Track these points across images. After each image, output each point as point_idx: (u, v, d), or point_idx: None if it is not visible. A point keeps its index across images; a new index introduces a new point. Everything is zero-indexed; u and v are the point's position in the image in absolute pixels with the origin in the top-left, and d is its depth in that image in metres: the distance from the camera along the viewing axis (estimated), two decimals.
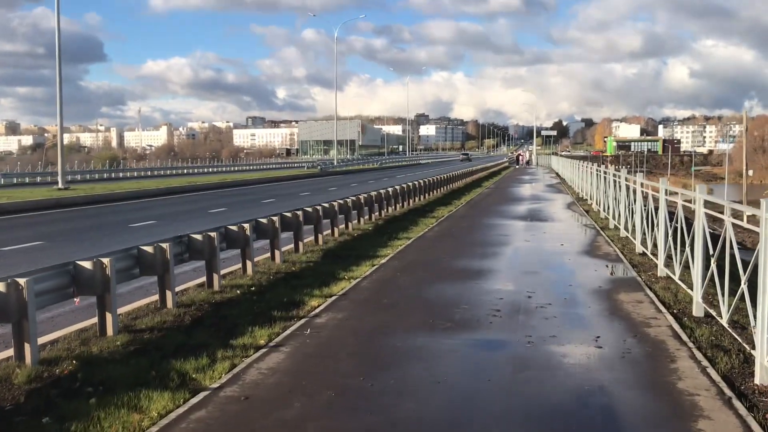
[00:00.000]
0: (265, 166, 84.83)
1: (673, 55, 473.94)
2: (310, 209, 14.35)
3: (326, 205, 15.50)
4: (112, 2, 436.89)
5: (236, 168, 75.40)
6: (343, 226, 16.73)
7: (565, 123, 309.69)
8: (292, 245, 13.32)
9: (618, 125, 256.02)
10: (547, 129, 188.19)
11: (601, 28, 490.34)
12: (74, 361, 6.24)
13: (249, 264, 10.91)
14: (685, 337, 6.92)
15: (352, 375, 5.90)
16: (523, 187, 38.02)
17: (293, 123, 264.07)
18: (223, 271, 10.98)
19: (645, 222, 12.18)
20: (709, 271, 7.44)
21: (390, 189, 22.12)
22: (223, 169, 72.30)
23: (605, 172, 20.15)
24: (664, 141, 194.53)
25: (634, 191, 13.93)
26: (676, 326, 7.37)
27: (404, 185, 24.13)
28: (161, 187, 33.92)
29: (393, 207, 22.46)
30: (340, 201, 16.62)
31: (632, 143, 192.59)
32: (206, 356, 6.35)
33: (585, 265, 11.55)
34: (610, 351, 6.52)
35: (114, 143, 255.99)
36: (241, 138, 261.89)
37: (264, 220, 12.04)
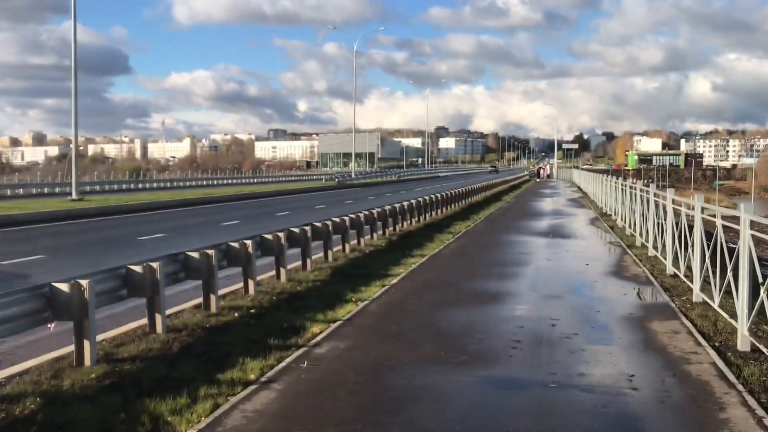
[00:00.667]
0: (284, 179, 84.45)
1: (695, 69, 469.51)
2: (319, 224, 13.65)
3: (337, 220, 14.79)
4: (137, 16, 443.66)
5: (254, 180, 75.03)
6: (356, 241, 16.01)
7: (585, 136, 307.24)
8: (300, 262, 12.60)
9: (639, 139, 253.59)
10: (568, 142, 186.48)
11: (622, 41, 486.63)
12: (38, 399, 5.54)
13: (251, 283, 10.20)
14: (732, 378, 6.08)
15: (349, 420, 5.14)
16: (544, 201, 37.08)
17: (314, 135, 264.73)
18: (223, 291, 10.32)
19: (678, 242, 11.30)
20: (759, 300, 6.60)
21: (406, 203, 21.37)
22: (241, 181, 71.93)
23: (631, 187, 19.25)
24: (686, 155, 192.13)
25: (664, 208, 13.06)
26: (721, 363, 6.52)
27: (420, 199, 23.37)
28: (176, 198, 33.46)
29: (409, 221, 21.71)
30: (352, 216, 15.90)
31: (654, 157, 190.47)
32: (187, 394, 5.62)
33: (613, 288, 10.70)
34: (647, 394, 5.70)
35: (138, 154, 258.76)
36: (263, 150, 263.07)
37: (269, 236, 11.34)
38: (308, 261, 12.51)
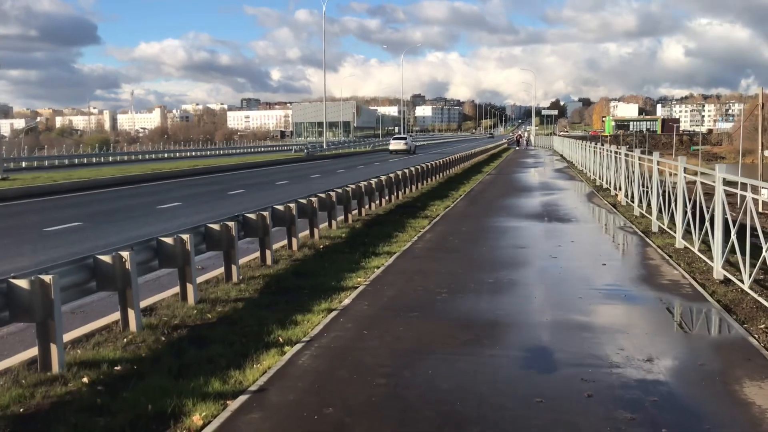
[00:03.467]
0: (252, 150, 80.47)
1: (668, 34, 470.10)
2: (252, 216, 10.35)
3: (280, 208, 11.50)
4: None
5: (219, 152, 71.07)
6: (308, 232, 12.76)
7: (562, 103, 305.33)
8: (223, 269, 9.34)
9: (616, 105, 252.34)
10: (546, 108, 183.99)
11: (595, 7, 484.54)
12: None
13: (132, 316, 6.93)
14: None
15: None
16: (529, 172, 34.01)
17: (288, 104, 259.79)
18: (99, 323, 7.13)
19: (736, 241, 8.23)
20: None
21: (374, 180, 18.10)
22: (205, 153, 67.95)
23: (629, 155, 16.17)
24: (663, 120, 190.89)
25: (687, 188, 9.98)
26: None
27: (392, 175, 20.10)
28: (117, 176, 29.80)
29: (378, 202, 18.48)
30: (302, 200, 12.62)
31: (631, 122, 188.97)
32: None
33: (656, 310, 7.58)
34: None
35: (107, 126, 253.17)
36: (236, 120, 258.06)
37: (168, 240, 8.01)
38: (234, 269, 9.23)
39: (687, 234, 11.00)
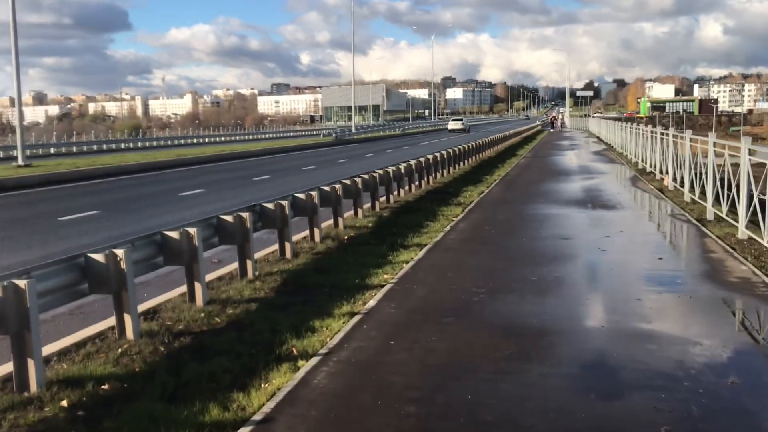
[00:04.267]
0: (281, 135, 79.93)
1: (705, 12, 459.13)
2: (271, 206, 9.50)
3: (301, 196, 10.62)
4: None
5: (249, 137, 70.60)
6: (332, 221, 11.90)
7: (596, 84, 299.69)
8: (237, 264, 8.51)
9: (651, 85, 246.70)
10: (581, 90, 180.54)
11: None
12: None
13: (129, 323, 6.12)
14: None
15: None
16: (566, 155, 32.68)
17: (317, 89, 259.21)
18: (94, 329, 6.37)
19: None
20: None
21: (403, 165, 17.15)
22: (233, 138, 67.51)
23: (680, 137, 14.94)
24: (701, 101, 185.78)
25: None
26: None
27: (423, 159, 19.11)
28: (141, 162, 29.26)
29: (407, 188, 17.52)
30: (325, 188, 11.75)
31: (667, 104, 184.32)
32: None
33: (729, 314, 6.55)
34: None
35: (139, 112, 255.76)
36: (266, 105, 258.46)
37: (173, 235, 7.18)
38: (249, 264, 8.38)
39: (751, 224, 9.87)
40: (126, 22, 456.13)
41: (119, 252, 6.07)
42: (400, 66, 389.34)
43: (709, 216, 12.15)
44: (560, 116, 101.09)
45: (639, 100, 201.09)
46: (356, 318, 6.47)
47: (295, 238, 10.91)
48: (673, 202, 14.41)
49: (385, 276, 8.15)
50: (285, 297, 7.40)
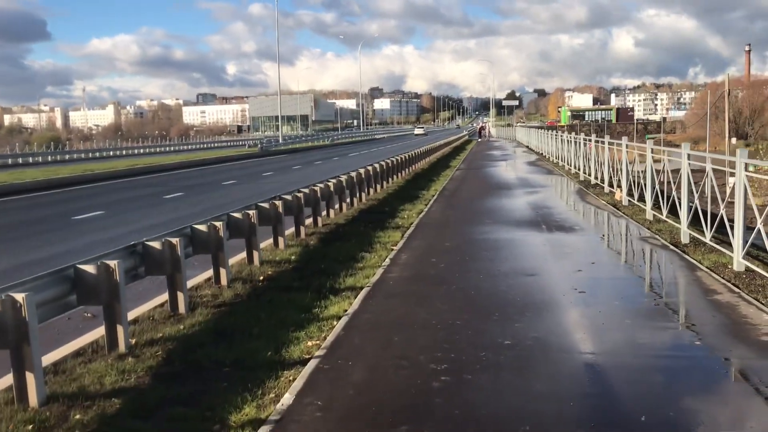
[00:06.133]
0: (204, 146, 76.44)
1: (618, 25, 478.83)
2: (157, 245, 7.21)
3: (201, 227, 8.35)
4: None
5: (163, 149, 66.90)
6: (245, 254, 9.66)
7: (517, 94, 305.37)
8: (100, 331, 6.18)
9: (571, 95, 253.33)
10: (505, 99, 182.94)
11: None
12: None
13: None
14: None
15: None
16: (501, 166, 31.28)
17: (245, 99, 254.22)
18: None
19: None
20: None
21: (333, 181, 15.04)
22: (149, 150, 63.71)
23: (654, 151, 13.42)
24: (618, 109, 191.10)
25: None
26: None
27: (353, 174, 17.05)
28: (39, 179, 26.08)
29: (338, 206, 15.41)
30: (236, 214, 9.52)
31: (586, 112, 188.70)
32: None
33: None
34: None
35: (59, 123, 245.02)
36: (191, 115, 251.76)
37: None
38: (119, 331, 6.06)
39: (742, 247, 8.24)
40: (44, 31, 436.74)
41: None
42: (328, 76, 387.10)
43: (684, 239, 10.55)
44: (487, 126, 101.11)
45: (559, 109, 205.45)
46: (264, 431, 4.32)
47: (196, 280, 8.67)
48: (635, 221, 12.84)
49: (309, 343, 6.02)
50: (163, 387, 5.17)
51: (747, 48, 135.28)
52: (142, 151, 63.09)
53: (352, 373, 5.26)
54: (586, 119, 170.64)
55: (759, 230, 7.88)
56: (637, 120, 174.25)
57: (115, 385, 5.23)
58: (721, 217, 9.09)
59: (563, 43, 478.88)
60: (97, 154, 56.40)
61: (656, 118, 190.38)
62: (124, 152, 60.38)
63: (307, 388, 4.99)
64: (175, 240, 7.30)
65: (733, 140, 60.96)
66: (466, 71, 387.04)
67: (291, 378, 5.23)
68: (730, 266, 8.55)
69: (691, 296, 7.39)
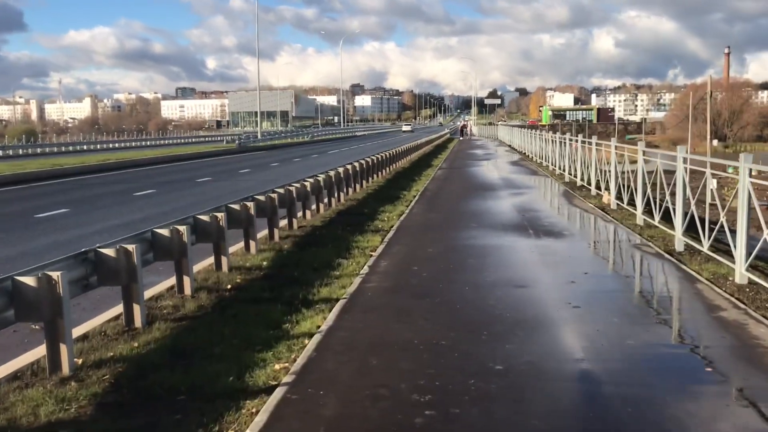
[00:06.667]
0: (182, 141, 75.16)
1: (599, 25, 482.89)
2: (111, 253, 6.51)
3: (163, 231, 7.65)
4: None
5: (139, 144, 65.59)
6: (212, 260, 8.96)
7: (499, 93, 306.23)
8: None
9: (552, 94, 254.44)
10: (487, 97, 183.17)
11: None
12: None
13: None
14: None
15: None
16: (484, 166, 30.75)
17: (224, 94, 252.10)
18: None
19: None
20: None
21: (310, 181, 14.37)
22: (122, 145, 62.49)
23: (646, 153, 12.90)
24: (599, 109, 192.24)
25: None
26: None
27: (332, 173, 16.40)
28: (5, 173, 25.08)
29: (316, 207, 14.73)
30: (203, 216, 8.83)
31: (567, 112, 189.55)
32: None
33: None
34: None
35: (34, 116, 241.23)
36: (170, 110, 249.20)
37: None
38: (63, 351, 5.37)
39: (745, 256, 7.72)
40: (21, 22, 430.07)
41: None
42: (309, 72, 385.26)
43: (678, 246, 10.04)
44: (469, 124, 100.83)
45: (541, 108, 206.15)
46: None
47: (158, 289, 7.98)
48: (626, 226, 12.32)
49: (277, 366, 5.37)
50: (107, 420, 4.49)
51: (726, 50, 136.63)
52: (117, 145, 61.92)
53: (323, 405, 4.61)
54: (567, 119, 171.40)
55: (766, 240, 7.35)
56: (617, 120, 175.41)
57: (52, 417, 4.55)
58: (714, 224, 8.58)
59: (544, 43, 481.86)
60: (71, 148, 55.12)
61: (636, 118, 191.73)
62: (99, 146, 59.16)
63: (271, 424, 4.34)
64: (131, 246, 6.60)
65: (715, 142, 61.12)
66: (448, 69, 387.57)
67: (254, 410, 4.57)
68: (731, 278, 8.02)
69: (694, 313, 6.82)
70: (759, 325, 6.25)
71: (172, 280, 8.06)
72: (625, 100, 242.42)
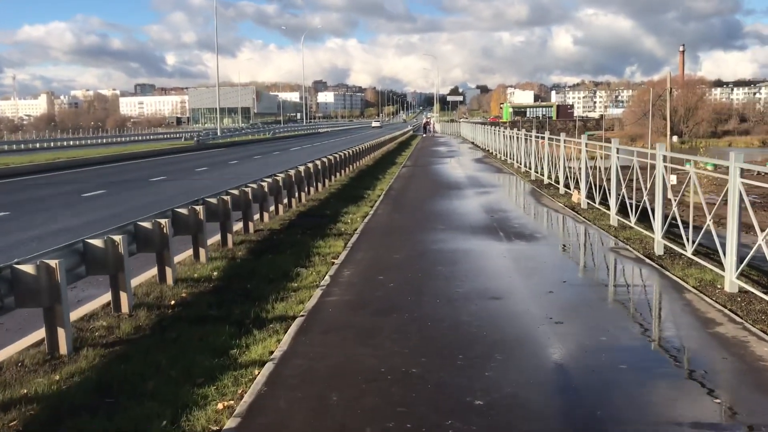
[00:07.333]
0: (140, 138, 73.27)
1: (557, 23, 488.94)
2: (29, 270, 5.62)
3: (96, 242, 6.76)
4: None
5: (95, 141, 63.56)
6: (155, 273, 8.08)
7: (460, 90, 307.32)
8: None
9: (513, 91, 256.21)
10: (450, 95, 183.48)
11: None
12: None
13: None
14: None
15: None
16: (448, 163, 30.14)
17: (184, 90, 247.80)
18: None
19: None
20: None
21: (267, 181, 13.53)
22: (77, 143, 60.42)
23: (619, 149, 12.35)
24: (558, 106, 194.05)
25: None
26: None
27: (292, 172, 15.56)
28: None
29: (274, 208, 13.89)
30: (144, 223, 7.94)
31: (528, 109, 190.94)
32: None
33: None
34: None
35: None
36: (129, 106, 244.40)
37: None
38: None
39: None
40: None
41: None
42: (270, 69, 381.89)
43: (658, 250, 9.48)
44: (432, 121, 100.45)
45: (502, 105, 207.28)
46: None
47: (92, 306, 7.09)
48: (599, 227, 11.76)
49: (220, 406, 4.57)
50: None
51: (681, 48, 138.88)
52: (72, 143, 59.86)
53: None
54: (528, 116, 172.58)
55: (760, 246, 6.78)
56: (576, 117, 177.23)
57: None
58: (695, 226, 8.01)
59: (505, 41, 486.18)
60: (22, 146, 53.04)
61: (595, 115, 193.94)
62: (53, 144, 57.14)
63: None
64: (54, 262, 5.72)
65: (675, 138, 61.67)
66: (410, 66, 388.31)
67: None
68: (719, 286, 7.46)
69: (688, 329, 6.20)
70: (761, 342, 5.66)
71: (104, 299, 7.19)
72: (584, 97, 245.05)
